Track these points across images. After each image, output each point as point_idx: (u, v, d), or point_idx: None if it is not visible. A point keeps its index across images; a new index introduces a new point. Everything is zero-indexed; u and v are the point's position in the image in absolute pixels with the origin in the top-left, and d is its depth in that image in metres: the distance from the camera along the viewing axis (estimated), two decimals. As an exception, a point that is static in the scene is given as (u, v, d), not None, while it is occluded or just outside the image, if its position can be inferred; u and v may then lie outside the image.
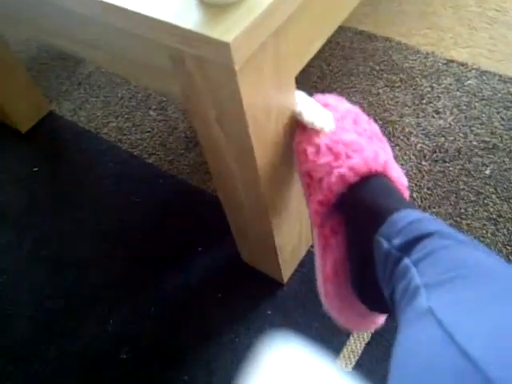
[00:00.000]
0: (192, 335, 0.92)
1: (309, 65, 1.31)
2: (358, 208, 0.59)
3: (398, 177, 0.62)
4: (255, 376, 0.62)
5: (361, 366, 0.84)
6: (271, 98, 0.62)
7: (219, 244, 1.01)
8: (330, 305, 0.68)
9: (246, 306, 0.94)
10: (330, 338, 0.87)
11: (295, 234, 0.89)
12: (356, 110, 0.71)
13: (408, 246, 0.49)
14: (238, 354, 0.89)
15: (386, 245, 0.52)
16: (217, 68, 0.55)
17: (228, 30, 0.49)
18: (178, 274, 1.00)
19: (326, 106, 0.70)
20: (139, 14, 0.54)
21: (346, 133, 0.65)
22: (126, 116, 1.30)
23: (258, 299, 0.94)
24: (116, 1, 0.56)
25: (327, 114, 0.67)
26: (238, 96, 0.56)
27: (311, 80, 1.27)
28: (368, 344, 0.86)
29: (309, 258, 0.97)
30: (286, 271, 0.93)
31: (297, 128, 0.69)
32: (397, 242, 0.50)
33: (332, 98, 0.73)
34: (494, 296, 0.39)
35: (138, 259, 1.04)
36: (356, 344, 0.86)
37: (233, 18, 0.50)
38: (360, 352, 0.85)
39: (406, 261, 0.48)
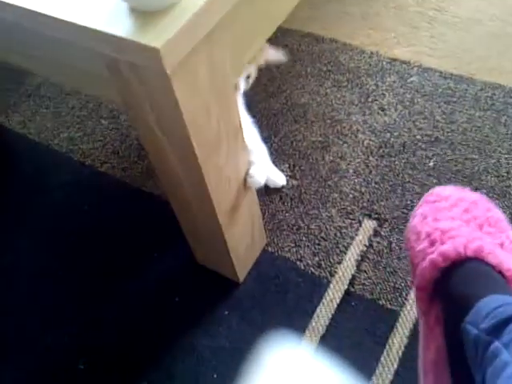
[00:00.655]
0: (151, 341, 0.92)
1: (258, 68, 1.33)
2: (449, 295, 0.60)
3: (499, 262, 0.60)
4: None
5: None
6: (210, 101, 0.64)
7: (174, 248, 1.01)
8: None
9: (203, 308, 0.95)
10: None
11: (247, 233, 0.91)
12: (474, 198, 0.70)
13: (497, 329, 0.50)
14: (198, 357, 0.89)
15: (474, 331, 0.52)
16: (151, 73, 0.56)
17: (158, 36, 0.51)
18: (135, 281, 1.00)
19: (439, 197, 0.71)
20: (70, 22, 0.55)
21: (447, 220, 0.66)
22: (77, 126, 1.29)
23: (215, 300, 0.95)
24: (46, 10, 0.56)
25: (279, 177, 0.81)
26: (173, 99, 0.57)
27: (261, 83, 1.30)
28: (323, 336, 0.88)
29: (264, 256, 0.99)
30: (241, 270, 0.95)
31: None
32: (484, 326, 0.51)
33: (449, 189, 0.72)
34: None
35: (94, 268, 1.03)
36: (312, 337, 0.88)
37: (162, 24, 0.52)
38: (316, 344, 0.87)
39: (496, 343, 0.48)
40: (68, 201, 1.14)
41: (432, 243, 0.63)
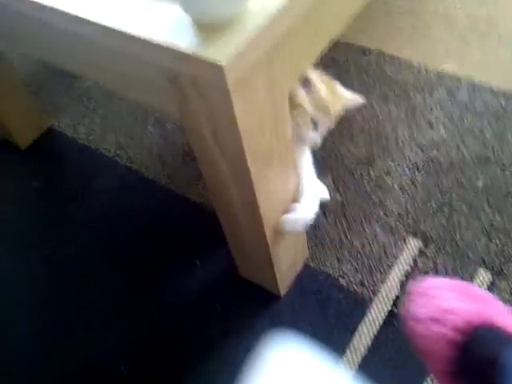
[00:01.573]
0: (191, 349, 0.93)
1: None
2: (471, 370, 0.59)
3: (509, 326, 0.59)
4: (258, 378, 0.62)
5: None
6: (265, 115, 0.64)
7: (217, 258, 1.02)
8: None
9: (244, 319, 0.94)
10: (327, 351, 0.88)
11: (291, 247, 0.90)
12: (464, 288, 0.68)
13: None
14: (236, 369, 0.89)
15: None
16: (211, 87, 0.56)
17: (221, 51, 0.51)
18: (177, 288, 1.01)
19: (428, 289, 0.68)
20: (133, 35, 0.56)
21: (448, 301, 0.64)
22: (124, 131, 1.31)
23: (256, 312, 0.95)
24: (109, 22, 0.57)
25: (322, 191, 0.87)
26: (231, 114, 0.57)
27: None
28: (364, 356, 0.86)
29: (305, 271, 0.98)
30: (283, 284, 0.94)
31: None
32: None
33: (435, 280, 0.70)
34: None
35: (137, 273, 1.05)
36: (353, 356, 0.87)
37: (226, 39, 0.52)
38: (357, 364, 0.86)
39: None
40: (114, 205, 1.16)
41: (439, 323, 0.61)
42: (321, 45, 0.75)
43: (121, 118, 1.35)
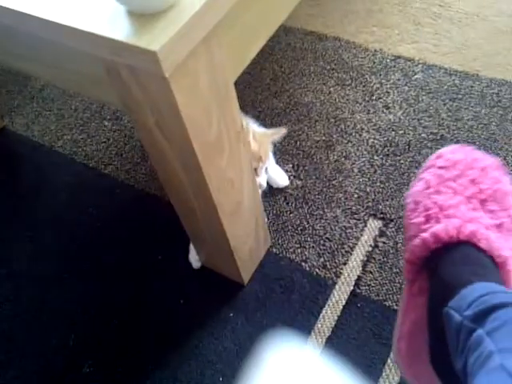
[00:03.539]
0: (155, 344, 0.92)
1: (261, 67, 1.32)
2: (436, 276, 0.60)
3: (491, 248, 0.59)
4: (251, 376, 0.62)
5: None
6: (210, 102, 0.63)
7: (178, 251, 1.01)
8: (401, 361, 0.66)
9: (207, 310, 0.94)
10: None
11: (251, 234, 0.90)
12: (484, 164, 0.67)
13: (480, 317, 0.49)
14: (203, 359, 0.89)
15: (457, 317, 0.51)
16: (150, 76, 0.55)
17: (155, 39, 0.50)
18: (139, 284, 1.00)
19: (447, 162, 0.67)
20: (67, 26, 0.54)
21: (448, 195, 0.64)
22: (80, 128, 1.29)
23: (220, 302, 0.94)
24: (43, 14, 0.56)
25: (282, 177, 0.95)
26: (173, 102, 0.56)
27: (264, 82, 1.29)
28: (329, 338, 0.87)
29: (268, 258, 0.98)
30: (246, 272, 0.94)
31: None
32: (468, 313, 0.50)
33: (459, 152, 0.69)
34: None
35: (98, 271, 1.03)
36: (318, 339, 0.87)
37: (160, 27, 0.51)
38: (322, 346, 0.87)
39: (480, 331, 0.47)
40: (72, 203, 1.14)
41: (427, 219, 0.63)
42: (266, 30, 0.74)
43: (76, 115, 1.32)
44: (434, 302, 0.60)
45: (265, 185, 0.96)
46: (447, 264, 0.59)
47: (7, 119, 1.35)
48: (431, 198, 0.64)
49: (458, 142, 1.09)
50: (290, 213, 1.04)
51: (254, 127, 0.97)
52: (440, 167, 0.67)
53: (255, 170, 0.91)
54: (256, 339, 0.88)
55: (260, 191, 0.92)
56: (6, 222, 1.15)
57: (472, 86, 1.18)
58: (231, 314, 0.93)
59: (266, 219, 1.01)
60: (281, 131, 1.00)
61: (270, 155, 1.00)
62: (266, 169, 0.97)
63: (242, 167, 0.78)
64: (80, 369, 0.90)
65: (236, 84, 0.68)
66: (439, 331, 0.56)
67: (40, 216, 1.14)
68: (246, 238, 0.89)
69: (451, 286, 0.56)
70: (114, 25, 0.53)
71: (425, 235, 0.61)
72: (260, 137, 0.94)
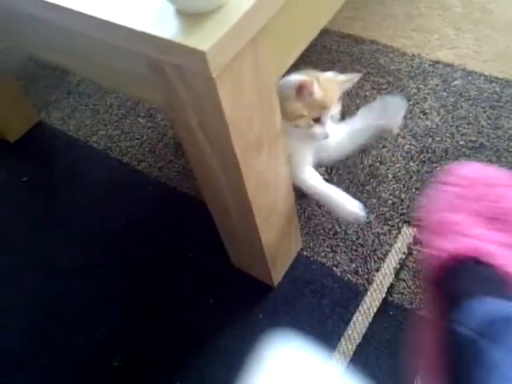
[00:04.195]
0: (184, 342, 0.92)
1: (296, 70, 1.31)
2: (442, 292, 0.61)
3: (498, 264, 0.60)
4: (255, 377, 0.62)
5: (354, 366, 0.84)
6: (253, 104, 0.63)
7: (209, 249, 1.01)
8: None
9: (237, 310, 0.94)
10: (321, 341, 0.87)
11: (283, 236, 0.90)
12: (496, 182, 0.67)
13: (483, 329, 0.50)
14: (231, 360, 0.89)
15: (460, 329, 0.52)
16: (196, 76, 0.55)
17: (204, 39, 0.50)
18: (169, 281, 1.00)
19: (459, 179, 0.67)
20: (116, 24, 0.54)
21: (459, 214, 0.65)
22: (115, 124, 1.30)
23: (249, 304, 0.94)
24: (92, 11, 0.56)
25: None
26: (218, 102, 0.56)
27: (299, 84, 1.28)
28: (359, 345, 0.86)
29: (299, 261, 0.98)
30: (276, 274, 0.94)
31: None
32: (471, 325, 0.51)
33: (471, 170, 0.69)
34: None
35: (129, 267, 1.04)
36: (347, 345, 0.86)
37: (209, 27, 0.51)
38: (352, 353, 0.85)
39: (482, 342, 0.49)
40: (105, 198, 1.15)
41: (438, 235, 0.63)
42: (310, 32, 0.74)
43: (111, 111, 1.33)
44: (437, 318, 0.60)
45: (329, 134, 0.88)
46: (456, 280, 0.60)
47: (44, 113, 1.38)
48: (443, 216, 0.65)
49: (497, 150, 1.06)
50: (323, 216, 1.03)
51: (320, 74, 0.90)
52: (453, 184, 0.67)
53: (318, 118, 0.85)
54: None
55: (325, 140, 0.88)
56: (41, 216, 1.16)
57: (513, 94, 1.15)
58: (260, 316, 0.92)
59: (298, 222, 1.00)
60: (354, 77, 0.92)
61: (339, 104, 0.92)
62: (332, 117, 0.89)
63: (279, 169, 0.78)
64: (110, 362, 0.91)
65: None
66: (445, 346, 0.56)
67: (72, 210, 1.15)
68: (279, 240, 0.88)
69: (455, 302, 0.56)
70: (161, 23, 0.53)
71: (432, 251, 0.62)
72: (327, 84, 0.87)
